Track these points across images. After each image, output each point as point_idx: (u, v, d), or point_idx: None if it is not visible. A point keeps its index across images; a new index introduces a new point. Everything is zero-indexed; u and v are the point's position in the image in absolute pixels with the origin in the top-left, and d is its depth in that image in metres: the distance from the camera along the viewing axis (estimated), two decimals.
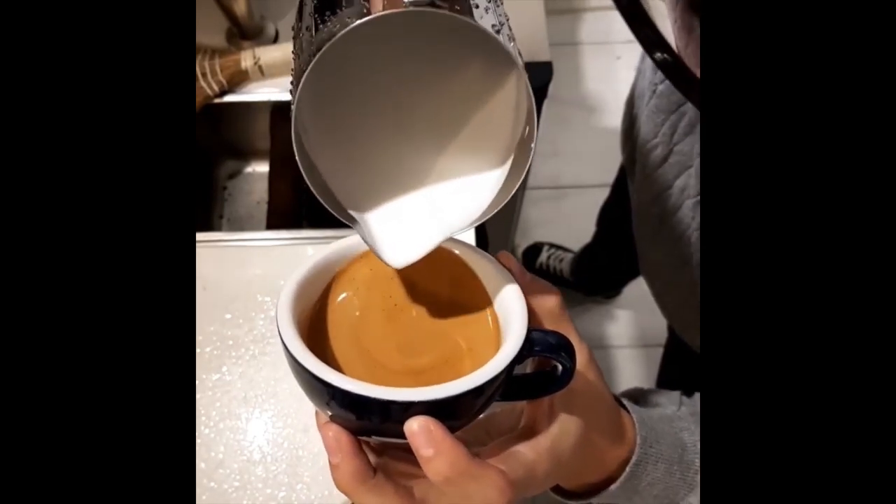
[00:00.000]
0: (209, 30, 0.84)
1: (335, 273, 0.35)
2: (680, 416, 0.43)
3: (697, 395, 0.45)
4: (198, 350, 0.67)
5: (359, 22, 0.25)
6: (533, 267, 1.55)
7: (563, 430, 0.35)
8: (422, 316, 0.35)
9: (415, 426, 0.29)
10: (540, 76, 0.82)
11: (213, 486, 0.62)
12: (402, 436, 0.29)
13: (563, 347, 0.32)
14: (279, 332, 0.31)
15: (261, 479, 0.62)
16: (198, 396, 0.65)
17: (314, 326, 0.34)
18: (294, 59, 0.29)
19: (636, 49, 0.40)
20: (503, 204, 0.32)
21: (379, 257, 0.32)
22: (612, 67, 1.82)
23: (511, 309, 0.33)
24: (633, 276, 1.35)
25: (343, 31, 0.25)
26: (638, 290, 1.31)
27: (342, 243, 0.35)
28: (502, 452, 0.33)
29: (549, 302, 0.35)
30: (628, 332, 1.54)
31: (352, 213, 0.33)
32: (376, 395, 0.28)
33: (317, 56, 0.25)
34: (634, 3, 0.34)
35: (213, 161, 0.95)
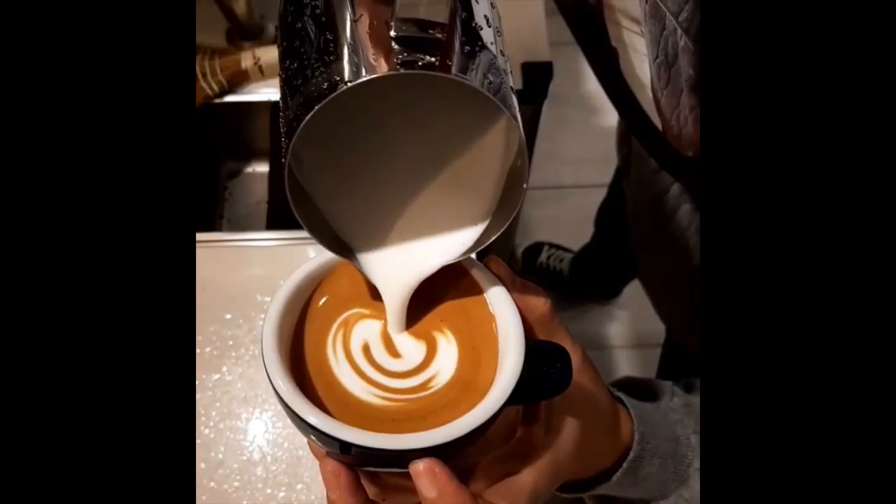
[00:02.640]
0: (209, 30, 0.84)
1: (313, 293, 0.35)
2: (672, 407, 0.43)
3: (690, 386, 0.45)
4: (198, 350, 0.67)
5: (348, 86, 0.25)
6: (533, 267, 1.55)
7: (560, 440, 0.35)
8: (414, 324, 0.34)
9: (420, 467, 0.29)
10: (540, 76, 0.82)
11: (213, 486, 0.62)
12: (404, 468, 0.30)
13: (557, 357, 0.32)
14: (269, 378, 0.30)
15: (261, 479, 0.62)
16: (198, 396, 0.65)
17: (300, 351, 0.33)
18: (281, 87, 0.29)
19: None
20: (497, 235, 0.32)
21: (378, 286, 0.33)
22: None
23: (507, 330, 0.33)
24: (631, 277, 1.35)
25: (331, 96, 0.25)
26: (637, 290, 1.31)
27: (310, 265, 0.35)
28: (501, 481, 0.33)
29: (540, 308, 0.35)
30: (627, 333, 1.54)
31: (348, 243, 0.34)
32: (379, 445, 0.28)
33: (308, 116, 0.25)
34: (625, 94, 0.35)
35: (213, 161, 0.95)
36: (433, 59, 0.25)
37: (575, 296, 1.54)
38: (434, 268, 0.33)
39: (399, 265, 0.34)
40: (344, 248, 0.34)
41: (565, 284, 1.52)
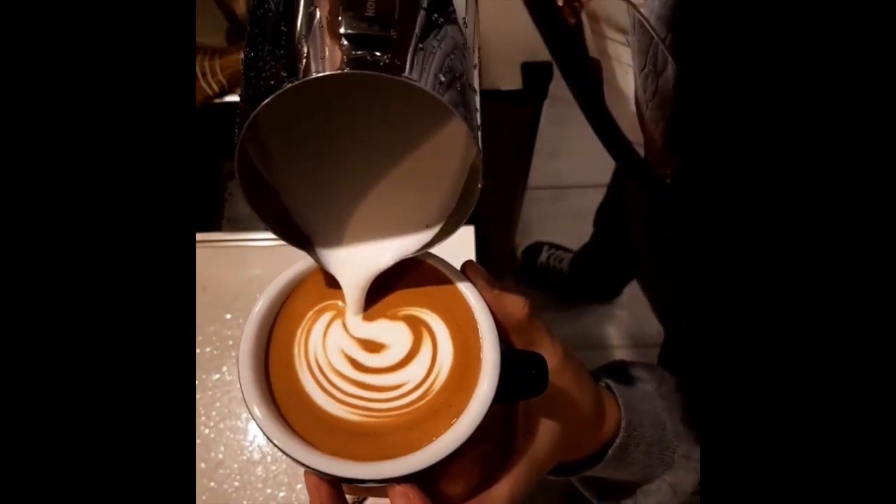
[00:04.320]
0: (209, 30, 0.84)
1: (282, 307, 0.34)
2: (661, 394, 0.43)
3: (679, 372, 0.46)
4: (198, 350, 0.67)
5: (289, 86, 0.24)
6: (533, 267, 1.55)
7: (537, 442, 0.35)
8: (386, 328, 0.34)
9: (396, 489, 0.30)
10: (540, 76, 0.82)
11: (213, 486, 0.62)
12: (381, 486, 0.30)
13: (533, 365, 0.32)
14: (247, 405, 0.31)
15: (261, 479, 0.62)
16: (198, 396, 0.65)
17: (280, 360, 0.33)
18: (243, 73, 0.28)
19: None
20: (453, 233, 0.32)
21: (337, 277, 0.33)
22: None
23: (484, 343, 0.33)
24: (631, 277, 1.35)
25: (272, 96, 0.24)
26: (637, 290, 1.31)
27: (278, 282, 0.35)
28: (477, 497, 0.33)
29: (517, 313, 0.34)
30: (627, 333, 1.54)
31: (308, 235, 0.34)
32: (355, 475, 0.29)
33: (251, 115, 0.25)
34: (611, 129, 0.35)
35: (214, 161, 0.94)
36: (385, 55, 0.24)
37: (575, 296, 1.54)
38: (390, 262, 0.33)
39: (356, 258, 0.33)
40: (302, 240, 0.34)
41: (565, 284, 1.52)
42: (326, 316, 0.34)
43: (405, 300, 0.35)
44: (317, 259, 0.33)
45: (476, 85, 0.28)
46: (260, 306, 0.34)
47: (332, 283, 0.34)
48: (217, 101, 0.80)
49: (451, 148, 0.32)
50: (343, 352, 0.33)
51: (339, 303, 0.34)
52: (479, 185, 0.29)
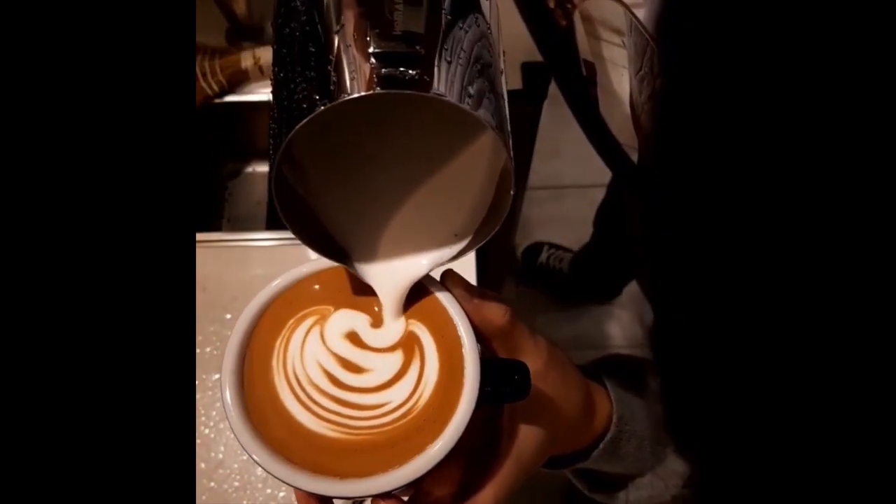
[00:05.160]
0: (209, 30, 0.84)
1: (261, 318, 0.34)
2: (654, 388, 0.44)
3: (673, 367, 0.46)
4: (198, 350, 0.67)
5: (322, 109, 0.25)
6: (533, 267, 1.55)
7: (521, 445, 0.35)
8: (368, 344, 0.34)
9: (380, 501, 0.31)
10: (540, 76, 0.82)
11: (213, 486, 0.62)
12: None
13: (515, 371, 0.32)
14: (234, 434, 0.31)
15: (261, 479, 0.62)
16: (198, 396, 0.65)
17: (262, 365, 0.33)
18: (272, 92, 0.28)
19: None
20: (485, 240, 0.33)
21: (374, 288, 0.33)
22: None
23: (466, 355, 0.33)
24: (631, 277, 1.35)
25: (306, 119, 0.25)
26: (637, 290, 1.30)
27: (261, 297, 0.35)
28: (466, 502, 0.34)
29: (498, 320, 0.34)
30: (627, 333, 1.54)
31: (346, 249, 0.34)
32: (337, 493, 0.30)
33: (286, 140, 0.25)
34: (602, 133, 0.34)
35: (214, 161, 0.95)
36: (414, 72, 0.25)
37: (575, 296, 1.54)
38: (425, 271, 0.34)
39: (392, 269, 0.34)
40: (340, 253, 0.34)
41: (565, 284, 1.52)
42: (305, 326, 0.34)
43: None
44: (355, 271, 0.34)
45: (504, 91, 0.28)
46: (243, 318, 0.34)
47: (333, 291, 0.34)
48: (217, 101, 0.81)
49: (482, 156, 0.32)
50: (325, 366, 0.33)
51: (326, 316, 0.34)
52: (511, 192, 0.30)
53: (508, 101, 0.30)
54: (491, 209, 0.33)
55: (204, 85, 0.78)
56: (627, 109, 0.38)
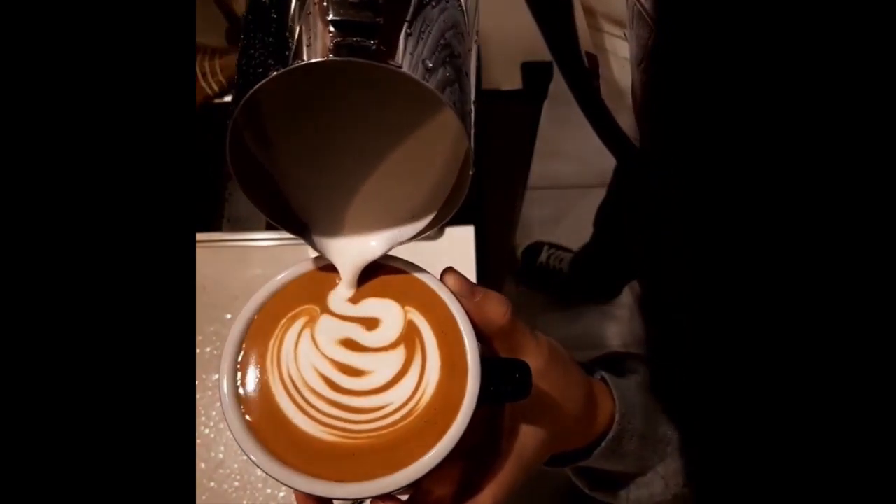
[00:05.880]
0: (209, 30, 0.84)
1: (255, 317, 0.34)
2: (655, 386, 0.43)
3: (674, 365, 0.46)
4: (198, 350, 0.67)
5: (274, 75, 0.24)
6: (533, 267, 1.55)
7: (522, 444, 0.35)
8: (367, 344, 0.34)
9: (379, 502, 0.31)
10: (540, 76, 0.82)
11: (213, 486, 0.62)
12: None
13: (515, 370, 0.32)
14: (232, 432, 0.31)
15: (261, 479, 0.62)
16: (198, 396, 0.65)
17: (260, 367, 0.33)
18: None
19: None
20: (447, 218, 0.32)
21: (332, 262, 0.33)
22: None
23: (467, 355, 0.32)
24: (631, 277, 1.35)
25: (257, 85, 0.24)
26: (637, 290, 1.31)
27: (258, 297, 0.35)
28: (466, 503, 0.34)
29: (499, 320, 0.34)
30: (627, 333, 1.54)
31: (305, 222, 0.34)
32: (336, 495, 0.30)
33: (239, 104, 0.25)
34: (605, 121, 0.34)
35: (214, 161, 0.94)
36: (371, 42, 0.24)
37: (575, 296, 1.54)
38: (384, 248, 0.34)
39: (351, 245, 0.34)
40: (299, 226, 0.34)
41: (565, 284, 1.52)
42: (299, 330, 0.34)
43: (393, 308, 0.34)
44: (313, 245, 0.34)
45: (471, 70, 0.28)
46: (238, 322, 0.34)
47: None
48: (217, 101, 0.80)
49: (444, 136, 0.32)
50: (322, 371, 0.33)
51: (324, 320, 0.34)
52: (471, 172, 0.29)
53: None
54: (453, 189, 0.33)
55: (204, 85, 0.78)
56: (630, 100, 0.38)
